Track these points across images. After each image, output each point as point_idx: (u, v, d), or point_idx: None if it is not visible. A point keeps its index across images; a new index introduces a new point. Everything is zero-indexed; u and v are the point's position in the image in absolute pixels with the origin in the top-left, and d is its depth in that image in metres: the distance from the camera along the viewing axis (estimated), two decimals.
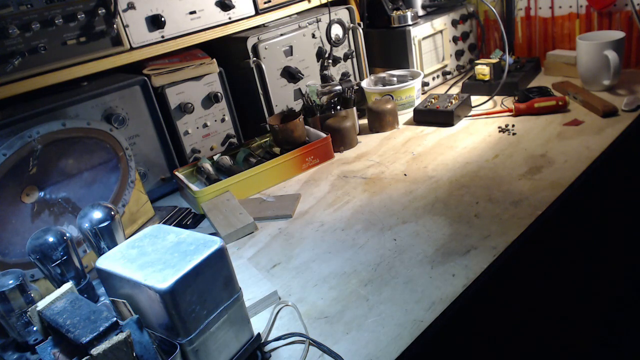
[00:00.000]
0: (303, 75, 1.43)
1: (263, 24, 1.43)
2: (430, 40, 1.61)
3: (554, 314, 1.24)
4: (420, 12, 1.65)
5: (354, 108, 1.41)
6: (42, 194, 0.97)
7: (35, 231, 0.75)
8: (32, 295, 0.69)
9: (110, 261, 0.62)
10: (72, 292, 0.60)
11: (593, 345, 1.44)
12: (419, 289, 0.78)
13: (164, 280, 0.56)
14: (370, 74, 1.62)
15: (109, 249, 0.71)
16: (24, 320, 0.68)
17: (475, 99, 1.48)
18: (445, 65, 1.69)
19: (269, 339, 0.74)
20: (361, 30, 1.57)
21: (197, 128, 1.32)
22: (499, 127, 1.29)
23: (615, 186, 1.35)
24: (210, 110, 1.33)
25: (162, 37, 1.23)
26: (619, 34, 1.33)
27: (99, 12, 1.11)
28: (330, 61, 1.52)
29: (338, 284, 0.83)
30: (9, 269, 0.75)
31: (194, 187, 1.18)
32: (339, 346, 0.70)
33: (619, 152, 1.13)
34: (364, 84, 1.53)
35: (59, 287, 0.61)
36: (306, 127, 1.35)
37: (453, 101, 1.40)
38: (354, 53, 1.59)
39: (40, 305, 0.58)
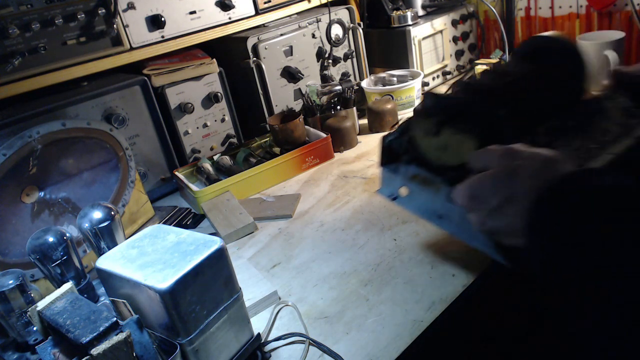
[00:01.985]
0: (303, 75, 1.43)
1: (263, 24, 1.43)
2: (430, 40, 1.61)
3: (555, 314, 1.24)
4: (420, 12, 1.65)
5: (354, 108, 1.41)
6: (42, 194, 0.97)
7: (35, 231, 0.75)
8: (32, 295, 0.69)
9: (110, 261, 0.62)
10: (72, 292, 0.60)
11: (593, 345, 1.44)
12: (419, 289, 0.78)
13: (164, 280, 0.56)
14: (370, 74, 1.62)
15: (109, 249, 0.71)
16: (24, 320, 0.68)
17: None
18: (445, 65, 1.69)
19: (269, 339, 0.74)
20: (361, 30, 1.57)
21: (197, 128, 1.32)
22: None
23: None
24: (210, 110, 1.33)
25: (162, 37, 1.23)
26: (619, 34, 1.33)
27: (99, 12, 1.11)
28: (330, 61, 1.52)
29: (338, 284, 0.83)
30: (9, 269, 0.74)
31: (194, 187, 1.18)
32: (339, 346, 0.70)
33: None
34: (364, 84, 1.53)
35: (59, 287, 0.61)
36: (306, 127, 1.35)
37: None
38: (354, 53, 1.59)
39: (40, 305, 0.58)
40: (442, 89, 1.66)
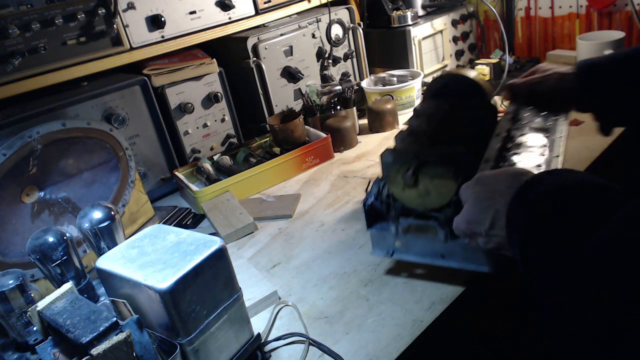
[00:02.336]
0: (303, 75, 1.43)
1: (263, 24, 1.43)
2: (430, 40, 1.61)
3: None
4: (420, 12, 1.64)
5: (354, 108, 1.41)
6: (42, 194, 0.97)
7: (35, 231, 0.75)
8: (32, 295, 0.69)
9: (110, 261, 0.62)
10: (72, 292, 0.60)
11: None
12: (419, 289, 0.78)
13: (164, 280, 0.56)
14: (370, 74, 1.62)
15: (109, 249, 0.71)
16: (24, 320, 0.68)
17: None
18: (445, 65, 1.69)
19: (269, 339, 0.74)
20: (361, 30, 1.56)
21: (197, 128, 1.32)
22: None
23: None
24: (210, 110, 1.33)
25: (162, 37, 1.23)
26: (619, 34, 1.33)
27: (99, 12, 1.11)
28: (330, 61, 1.52)
29: (338, 284, 0.83)
30: (9, 269, 0.74)
31: (194, 187, 1.18)
32: (339, 346, 0.70)
33: (619, 152, 1.13)
34: (364, 84, 1.53)
35: (59, 287, 0.61)
36: (306, 127, 1.35)
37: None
38: (354, 53, 1.59)
39: (40, 305, 0.58)
40: None
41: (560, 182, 0.51)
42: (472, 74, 0.95)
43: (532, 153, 0.75)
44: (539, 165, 0.72)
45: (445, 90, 0.96)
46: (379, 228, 0.80)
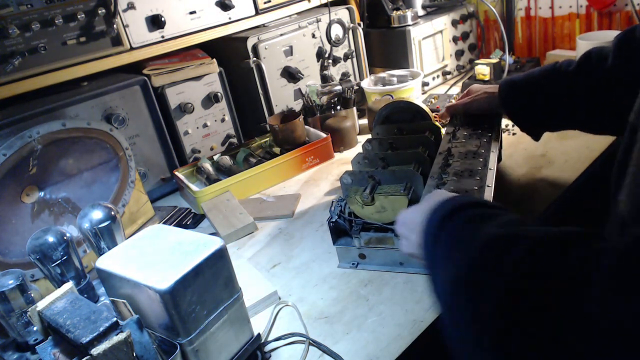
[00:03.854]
0: (303, 75, 1.43)
1: (263, 24, 1.43)
2: (430, 40, 1.61)
3: None
4: (420, 12, 1.65)
5: (354, 108, 1.41)
6: (42, 194, 0.97)
7: (35, 231, 0.75)
8: (32, 295, 0.69)
9: (110, 261, 0.62)
10: (72, 292, 0.60)
11: None
12: (419, 289, 0.78)
13: (164, 280, 0.56)
14: (370, 74, 1.61)
15: (109, 249, 0.71)
16: (24, 320, 0.68)
17: None
18: (445, 65, 1.69)
19: (269, 339, 0.74)
20: (361, 30, 1.56)
21: (197, 128, 1.32)
22: None
23: None
24: (210, 110, 1.33)
25: (162, 37, 1.23)
26: None
27: (99, 12, 1.11)
28: (330, 61, 1.52)
29: (338, 284, 0.83)
30: (9, 269, 0.74)
31: (194, 187, 1.18)
32: (339, 346, 0.70)
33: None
34: (364, 84, 1.53)
35: (59, 287, 0.61)
36: (306, 127, 1.35)
37: (453, 101, 1.39)
38: (354, 53, 1.59)
39: (40, 305, 0.58)
40: (442, 89, 1.66)
41: (464, 200, 0.58)
42: (415, 100, 1.08)
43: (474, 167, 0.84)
44: (465, 190, 0.79)
45: (393, 116, 1.09)
46: (344, 243, 0.88)
